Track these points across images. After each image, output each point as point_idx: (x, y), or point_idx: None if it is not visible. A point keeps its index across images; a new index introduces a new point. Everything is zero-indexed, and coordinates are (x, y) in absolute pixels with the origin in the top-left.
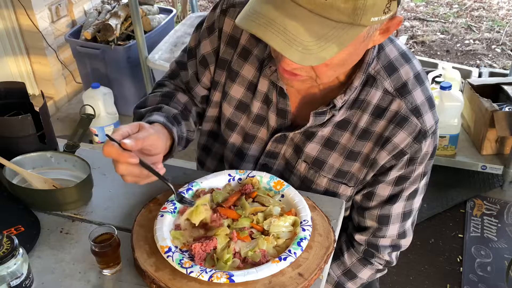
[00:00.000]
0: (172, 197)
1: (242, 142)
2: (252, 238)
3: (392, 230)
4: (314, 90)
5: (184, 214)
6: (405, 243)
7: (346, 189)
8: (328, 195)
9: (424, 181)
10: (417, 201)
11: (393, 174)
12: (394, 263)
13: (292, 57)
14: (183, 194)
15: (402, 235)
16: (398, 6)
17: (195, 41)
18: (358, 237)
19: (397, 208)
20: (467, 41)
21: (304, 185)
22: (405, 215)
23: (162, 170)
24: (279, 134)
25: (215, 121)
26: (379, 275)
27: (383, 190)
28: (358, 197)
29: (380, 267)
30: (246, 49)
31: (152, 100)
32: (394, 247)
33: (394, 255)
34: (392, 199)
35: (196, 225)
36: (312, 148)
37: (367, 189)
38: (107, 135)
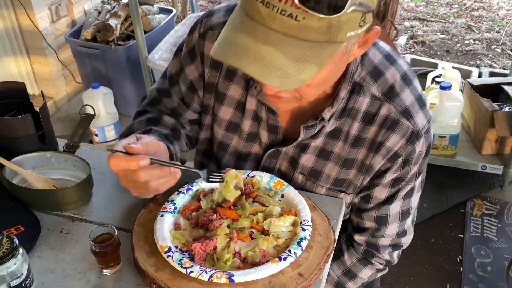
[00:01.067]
0: (198, 183)
1: (236, 160)
2: (252, 238)
3: (391, 229)
4: (302, 104)
5: (217, 191)
6: (406, 241)
7: (346, 196)
8: None
9: (420, 179)
10: (415, 199)
11: (389, 176)
12: (395, 262)
13: (272, 82)
14: (211, 173)
15: (402, 233)
16: (373, 17)
17: (176, 67)
18: (358, 237)
19: (395, 207)
20: (467, 41)
21: None
22: (404, 214)
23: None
24: (272, 149)
25: (209, 142)
26: (380, 274)
27: (380, 193)
28: (356, 199)
29: (381, 266)
30: (230, 70)
31: (138, 126)
32: (395, 246)
33: (396, 254)
34: (388, 199)
35: (231, 201)
36: (307, 159)
37: (364, 192)
38: (108, 149)
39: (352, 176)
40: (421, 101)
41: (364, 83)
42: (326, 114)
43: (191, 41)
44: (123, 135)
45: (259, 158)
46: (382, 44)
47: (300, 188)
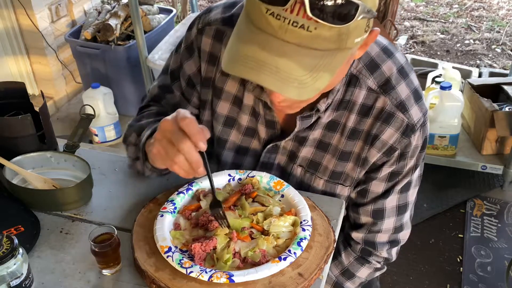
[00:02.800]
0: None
1: (235, 156)
2: (252, 238)
3: (388, 224)
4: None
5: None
6: (403, 236)
7: (343, 189)
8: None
9: (417, 173)
10: (412, 194)
11: (385, 170)
12: (394, 259)
13: (290, 94)
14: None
15: (399, 228)
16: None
17: (176, 63)
18: (355, 235)
19: (391, 201)
20: (467, 41)
21: (302, 190)
22: (401, 208)
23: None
24: (270, 145)
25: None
26: (378, 273)
27: (377, 187)
28: (352, 194)
29: (379, 265)
30: None
31: (148, 115)
32: (392, 242)
33: (394, 251)
34: (385, 193)
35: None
36: (306, 151)
37: (360, 186)
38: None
39: (349, 169)
40: (417, 95)
41: (360, 76)
42: (322, 106)
43: (189, 37)
44: (133, 126)
45: (258, 154)
46: (380, 37)
47: (298, 181)
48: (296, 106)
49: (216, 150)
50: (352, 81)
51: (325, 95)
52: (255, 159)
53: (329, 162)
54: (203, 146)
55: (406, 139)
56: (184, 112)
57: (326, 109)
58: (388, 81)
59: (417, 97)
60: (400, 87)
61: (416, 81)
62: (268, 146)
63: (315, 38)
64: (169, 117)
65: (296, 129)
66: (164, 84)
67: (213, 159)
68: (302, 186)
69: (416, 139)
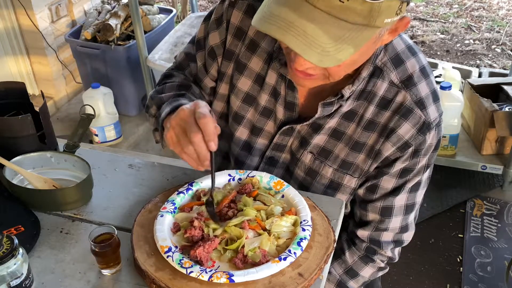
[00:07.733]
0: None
1: (249, 135)
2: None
3: (395, 223)
4: (326, 83)
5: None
6: (407, 237)
7: (351, 180)
8: (333, 187)
9: (427, 174)
10: (420, 195)
11: (398, 166)
12: (396, 259)
13: (311, 59)
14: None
15: (404, 228)
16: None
17: (203, 33)
18: (361, 233)
19: (400, 200)
20: (467, 41)
21: (309, 177)
22: (408, 208)
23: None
24: (286, 126)
25: (220, 117)
26: (381, 273)
27: (387, 183)
28: (361, 191)
29: (382, 264)
30: (253, 42)
31: (170, 88)
32: (397, 242)
33: (397, 251)
34: (395, 191)
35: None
36: (319, 139)
37: (371, 181)
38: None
39: (360, 161)
40: (435, 95)
41: (384, 68)
42: (346, 92)
43: (220, 9)
44: (154, 99)
45: (272, 136)
46: (406, 36)
47: (307, 167)
48: (316, 78)
49: (232, 126)
50: (375, 72)
51: (351, 81)
52: (269, 140)
53: (341, 151)
54: (214, 147)
55: (421, 136)
56: (202, 109)
57: (348, 97)
58: (410, 78)
59: (435, 98)
60: (421, 85)
61: (435, 84)
62: (284, 128)
63: (346, 10)
64: (187, 106)
65: (316, 115)
66: (190, 52)
67: (225, 136)
68: (310, 173)
69: (431, 138)
